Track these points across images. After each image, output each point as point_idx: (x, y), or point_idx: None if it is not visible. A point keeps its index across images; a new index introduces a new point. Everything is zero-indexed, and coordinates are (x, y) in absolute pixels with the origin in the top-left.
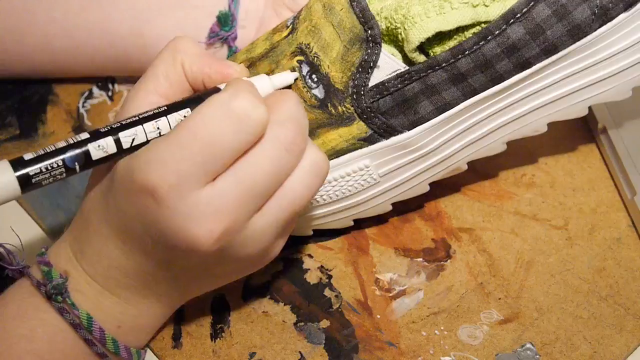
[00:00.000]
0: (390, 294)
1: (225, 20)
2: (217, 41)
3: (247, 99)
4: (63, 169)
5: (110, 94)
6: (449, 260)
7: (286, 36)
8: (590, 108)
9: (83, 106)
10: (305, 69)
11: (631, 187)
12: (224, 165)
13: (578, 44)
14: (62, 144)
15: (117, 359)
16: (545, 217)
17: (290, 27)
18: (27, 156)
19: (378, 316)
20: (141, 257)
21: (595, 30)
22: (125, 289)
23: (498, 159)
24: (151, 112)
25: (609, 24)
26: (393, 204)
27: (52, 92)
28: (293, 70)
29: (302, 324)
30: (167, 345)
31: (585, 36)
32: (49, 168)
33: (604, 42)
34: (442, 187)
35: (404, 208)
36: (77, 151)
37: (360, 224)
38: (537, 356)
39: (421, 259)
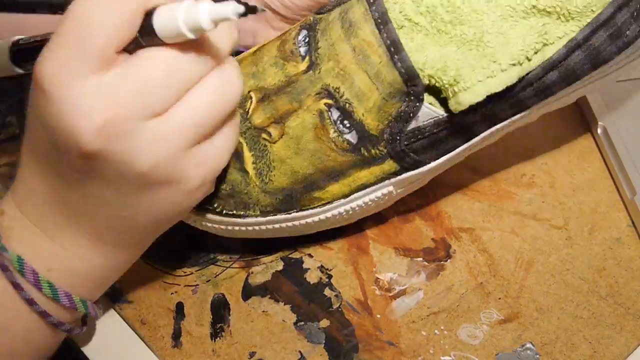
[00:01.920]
0: (390, 294)
1: None
2: None
3: None
4: None
5: None
6: (449, 260)
7: (305, 71)
8: (590, 108)
9: None
10: (336, 114)
11: (631, 187)
12: (106, 51)
13: (597, 70)
14: None
15: (57, 309)
16: (545, 217)
17: (307, 59)
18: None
19: (378, 316)
20: (53, 177)
21: (614, 59)
22: (50, 223)
23: (498, 159)
24: None
25: (627, 50)
26: (395, 215)
27: None
28: (321, 113)
29: (302, 323)
30: (167, 344)
31: (605, 64)
32: None
33: (616, 63)
34: (442, 187)
35: (404, 208)
36: None
37: (361, 224)
38: (537, 356)
39: (421, 259)
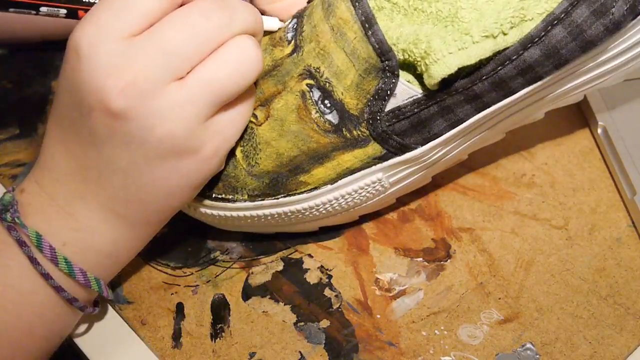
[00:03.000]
0: (390, 294)
1: None
2: None
3: None
4: None
5: None
6: (449, 260)
7: (289, 54)
8: (590, 108)
9: None
10: (317, 94)
11: (631, 187)
12: (142, 18)
13: (587, 54)
14: None
15: (72, 285)
16: (545, 217)
17: (293, 43)
18: None
19: (378, 316)
20: (72, 144)
21: (604, 41)
22: (67, 193)
23: (498, 159)
24: None
25: (618, 33)
26: (396, 210)
27: (52, 92)
28: (303, 94)
29: (302, 323)
30: (167, 345)
31: (594, 47)
32: None
33: (609, 46)
34: (442, 187)
35: (404, 208)
36: None
37: (361, 224)
38: (537, 356)
39: (421, 259)
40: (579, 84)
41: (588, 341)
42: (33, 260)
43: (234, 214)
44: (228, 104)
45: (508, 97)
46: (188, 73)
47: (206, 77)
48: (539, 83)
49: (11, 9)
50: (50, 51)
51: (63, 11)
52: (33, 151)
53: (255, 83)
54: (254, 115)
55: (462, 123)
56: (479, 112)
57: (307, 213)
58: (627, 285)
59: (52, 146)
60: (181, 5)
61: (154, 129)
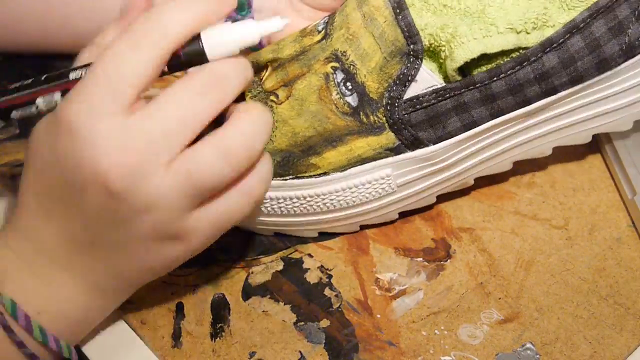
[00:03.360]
0: (390, 294)
1: (242, 5)
2: None
3: (147, 24)
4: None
5: None
6: (449, 260)
7: (319, 41)
8: None
9: None
10: (340, 76)
11: (631, 187)
12: (133, 90)
13: (601, 76)
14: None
15: (43, 351)
16: (545, 217)
17: (323, 32)
18: None
19: (378, 316)
20: (60, 218)
21: (619, 65)
22: (48, 264)
23: None
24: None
25: (631, 60)
26: (400, 213)
27: None
28: (327, 75)
29: (302, 323)
30: (167, 344)
31: (609, 69)
32: None
33: (623, 76)
34: None
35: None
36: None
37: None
38: (537, 356)
39: (421, 259)
40: (591, 116)
41: (588, 341)
42: (7, 329)
43: None
44: (225, 195)
45: (523, 106)
46: (179, 155)
47: (191, 166)
48: (553, 97)
49: (13, 114)
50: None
51: (58, 94)
52: None
53: (282, 67)
54: (276, 95)
55: (476, 126)
56: (493, 118)
57: (313, 203)
58: (627, 285)
59: (32, 217)
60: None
61: (147, 211)
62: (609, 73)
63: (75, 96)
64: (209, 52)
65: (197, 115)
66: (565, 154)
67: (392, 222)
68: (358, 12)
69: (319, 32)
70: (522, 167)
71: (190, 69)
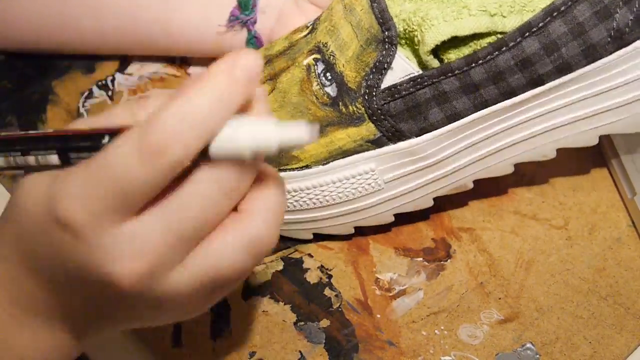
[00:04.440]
0: (391, 294)
1: (246, 5)
2: (237, 24)
3: (163, 134)
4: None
5: (110, 94)
6: (449, 260)
7: (305, 35)
8: None
9: (83, 106)
10: (321, 67)
11: (631, 187)
12: (142, 198)
13: (592, 66)
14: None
15: None
16: (545, 217)
17: (310, 27)
18: None
19: (378, 316)
20: (49, 288)
21: (611, 53)
22: (31, 317)
23: None
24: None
25: (625, 49)
26: (395, 216)
27: (52, 92)
28: (308, 67)
29: (302, 323)
30: (167, 344)
31: (599, 58)
32: None
33: (618, 69)
34: None
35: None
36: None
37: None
38: (537, 356)
39: (421, 259)
40: (590, 113)
41: (588, 341)
42: None
43: None
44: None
45: (508, 98)
46: (197, 248)
47: (210, 261)
48: (542, 88)
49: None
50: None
51: (54, 157)
52: None
53: (271, 63)
54: None
55: (459, 119)
56: (478, 110)
57: (298, 198)
58: (627, 285)
59: (14, 272)
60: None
61: (160, 306)
62: (600, 63)
63: (74, 191)
64: (214, 152)
65: (217, 214)
66: (566, 154)
67: (388, 225)
68: (340, 4)
69: (307, 27)
70: (522, 166)
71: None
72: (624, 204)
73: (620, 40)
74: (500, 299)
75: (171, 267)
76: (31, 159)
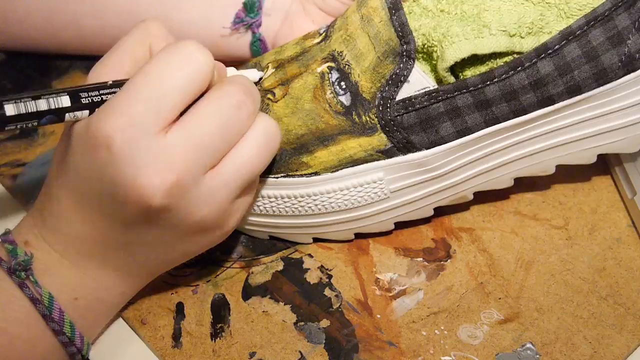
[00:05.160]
0: (391, 294)
1: (251, 7)
2: (242, 27)
3: (192, 43)
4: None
5: None
6: (449, 260)
7: (318, 42)
8: None
9: None
10: (335, 76)
11: (631, 187)
12: (173, 109)
13: (600, 88)
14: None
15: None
16: (545, 217)
17: (324, 34)
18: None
19: (378, 316)
20: (98, 221)
21: (620, 77)
22: (84, 257)
23: None
24: (109, 83)
25: (634, 74)
26: (395, 223)
27: None
28: (322, 75)
29: (302, 323)
30: (167, 344)
31: (609, 82)
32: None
33: (624, 92)
34: None
35: None
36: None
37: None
38: (537, 356)
39: (421, 259)
40: (592, 133)
41: (588, 341)
42: (47, 318)
43: None
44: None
45: (518, 116)
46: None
47: (239, 162)
48: (551, 108)
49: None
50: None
51: (66, 98)
52: (33, 151)
53: (282, 67)
54: (272, 93)
55: (470, 133)
56: (488, 126)
57: (304, 204)
58: (627, 285)
59: (68, 213)
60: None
61: (190, 216)
62: (609, 86)
63: (113, 111)
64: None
65: (234, 126)
66: None
67: (388, 232)
68: (357, 14)
69: (320, 34)
70: None
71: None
72: (624, 204)
73: (630, 66)
74: (500, 299)
75: (200, 178)
76: (42, 103)
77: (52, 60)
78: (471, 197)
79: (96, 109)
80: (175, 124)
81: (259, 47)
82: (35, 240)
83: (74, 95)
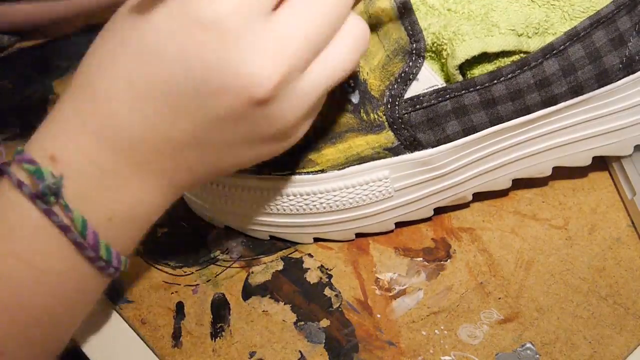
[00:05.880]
0: (390, 294)
1: None
2: None
3: None
4: None
5: None
6: (449, 260)
7: None
8: None
9: None
10: None
11: (631, 187)
12: None
13: (601, 89)
14: None
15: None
16: (545, 217)
17: None
18: None
19: (378, 315)
20: (166, 120)
21: (620, 79)
22: (132, 167)
23: None
24: None
25: (633, 76)
26: (396, 223)
27: (52, 92)
28: None
29: (302, 323)
30: (167, 344)
31: (609, 83)
32: None
33: (623, 93)
34: None
35: None
36: None
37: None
38: (537, 356)
39: (421, 259)
40: (589, 135)
41: (588, 341)
42: (80, 246)
43: (239, 183)
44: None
45: (522, 115)
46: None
47: (331, 61)
48: (553, 108)
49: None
50: (51, 51)
51: None
52: None
53: None
54: None
55: (475, 132)
56: (493, 125)
57: (309, 202)
58: (627, 285)
59: (122, 113)
60: None
61: (280, 118)
62: (609, 87)
63: None
64: None
65: (338, 19)
66: None
67: (388, 232)
68: (365, 14)
69: None
70: None
71: None
72: (624, 204)
73: (630, 67)
74: (500, 299)
75: (302, 71)
76: None
77: (52, 60)
78: (470, 197)
79: None
80: (283, 4)
81: None
82: (65, 152)
83: None
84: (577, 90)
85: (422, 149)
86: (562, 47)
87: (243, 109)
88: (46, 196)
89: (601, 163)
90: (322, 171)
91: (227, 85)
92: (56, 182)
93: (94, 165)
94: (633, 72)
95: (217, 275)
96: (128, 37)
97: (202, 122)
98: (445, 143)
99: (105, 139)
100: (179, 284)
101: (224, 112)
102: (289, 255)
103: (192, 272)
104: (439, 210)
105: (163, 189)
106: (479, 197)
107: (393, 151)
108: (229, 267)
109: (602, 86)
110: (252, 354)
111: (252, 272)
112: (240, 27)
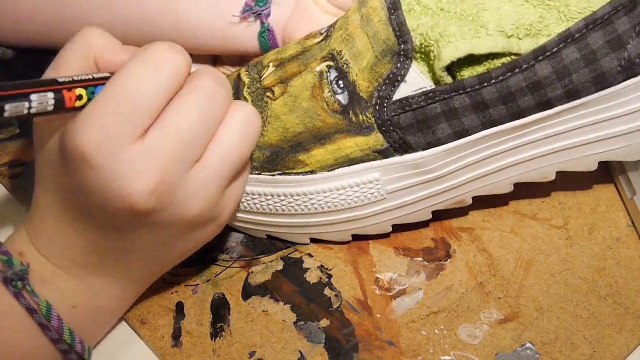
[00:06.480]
0: (391, 294)
1: None
2: (251, 16)
3: (164, 45)
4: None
5: None
6: (449, 260)
7: (319, 42)
8: None
9: None
10: (334, 75)
11: (631, 187)
12: (150, 116)
13: (600, 93)
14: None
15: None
16: (545, 217)
17: (325, 34)
18: None
19: (378, 316)
20: (91, 232)
21: (620, 83)
22: (80, 268)
23: None
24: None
25: (634, 80)
26: (393, 226)
27: None
28: (321, 74)
29: (302, 323)
30: (167, 344)
31: (608, 87)
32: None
33: (625, 98)
34: None
35: None
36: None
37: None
38: (537, 356)
39: (421, 259)
40: (592, 139)
41: (588, 341)
42: (43, 327)
43: None
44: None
45: (516, 119)
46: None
47: (222, 151)
48: (549, 112)
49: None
50: (52, 53)
51: (51, 94)
52: (33, 151)
53: (283, 66)
54: (272, 91)
55: (467, 135)
56: (486, 129)
57: (301, 202)
58: (627, 285)
59: (59, 228)
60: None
61: (182, 214)
62: (608, 92)
63: (88, 124)
64: None
65: (210, 118)
66: None
67: (386, 235)
68: (358, 14)
69: (322, 34)
70: None
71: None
72: (624, 204)
73: (630, 71)
74: (500, 299)
75: (185, 175)
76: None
77: (52, 61)
78: (470, 201)
79: (69, 122)
80: (152, 127)
81: (267, 37)
82: (29, 252)
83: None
84: (573, 94)
85: (412, 152)
86: (555, 49)
87: (138, 220)
88: (14, 281)
89: (601, 163)
90: (312, 172)
91: (116, 206)
92: (23, 270)
93: (52, 266)
94: (634, 76)
95: (217, 275)
96: (45, 171)
97: (120, 233)
98: (436, 146)
99: (53, 247)
100: (179, 284)
101: (128, 225)
102: (289, 256)
103: (192, 272)
104: (439, 210)
105: (122, 284)
106: (478, 197)
107: (383, 153)
108: (229, 267)
109: (601, 90)
110: (252, 354)
111: (252, 272)
112: (108, 158)
